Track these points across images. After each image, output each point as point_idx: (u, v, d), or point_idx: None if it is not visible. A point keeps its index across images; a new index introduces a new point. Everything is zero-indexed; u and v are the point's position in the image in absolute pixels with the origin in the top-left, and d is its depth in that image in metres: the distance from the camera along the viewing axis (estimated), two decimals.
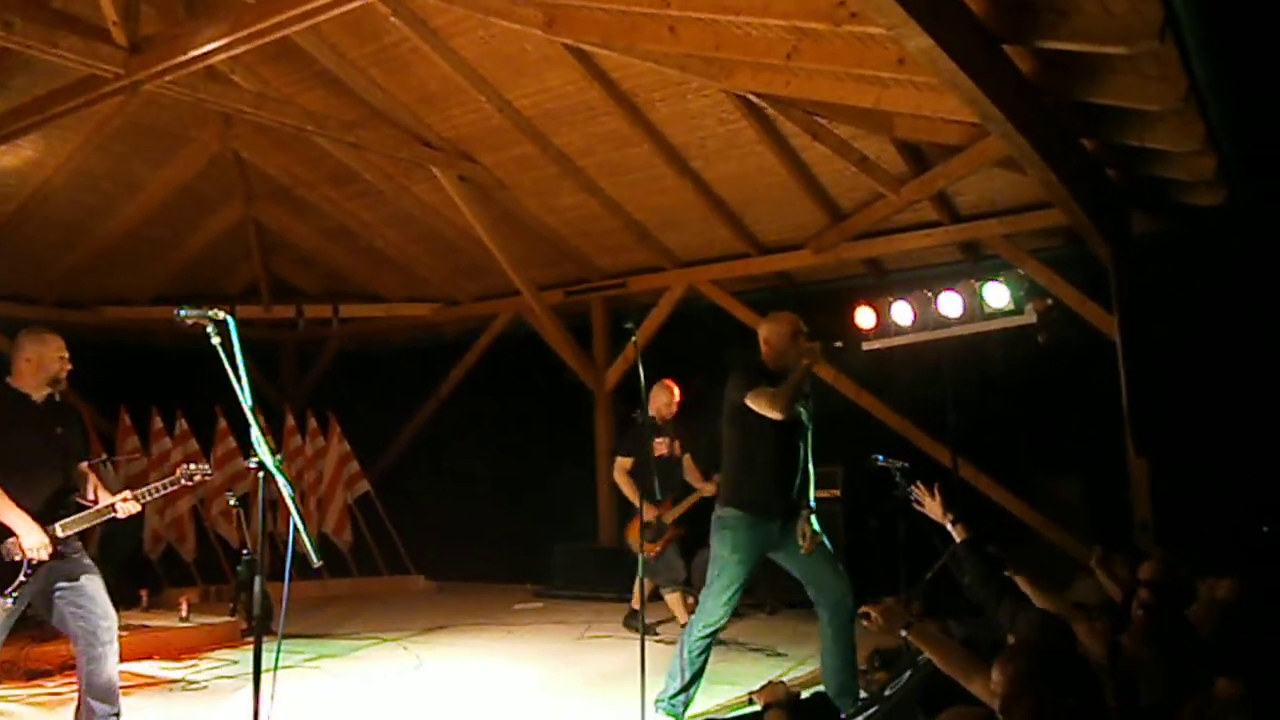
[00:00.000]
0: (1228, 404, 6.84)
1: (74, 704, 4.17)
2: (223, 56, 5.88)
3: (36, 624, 4.95)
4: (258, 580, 3.09)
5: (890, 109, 6.38)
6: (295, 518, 3.00)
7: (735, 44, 6.12)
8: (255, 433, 3.07)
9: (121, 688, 4.24)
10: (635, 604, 7.06)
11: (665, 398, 7.23)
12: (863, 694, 4.73)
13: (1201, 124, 5.05)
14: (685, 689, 4.72)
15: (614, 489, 7.55)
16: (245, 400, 3.06)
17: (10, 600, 3.96)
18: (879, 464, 5.87)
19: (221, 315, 3.13)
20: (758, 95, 6.81)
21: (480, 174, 8.51)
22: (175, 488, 4.31)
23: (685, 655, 4.70)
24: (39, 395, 4.20)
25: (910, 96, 6.06)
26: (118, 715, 4.14)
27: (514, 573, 10.05)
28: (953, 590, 5.55)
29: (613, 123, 7.55)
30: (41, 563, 4.02)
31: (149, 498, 4.25)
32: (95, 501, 4.25)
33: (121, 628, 4.32)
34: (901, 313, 7.32)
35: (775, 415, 4.53)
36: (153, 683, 6.06)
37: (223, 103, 6.99)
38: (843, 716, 4.33)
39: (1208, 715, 2.44)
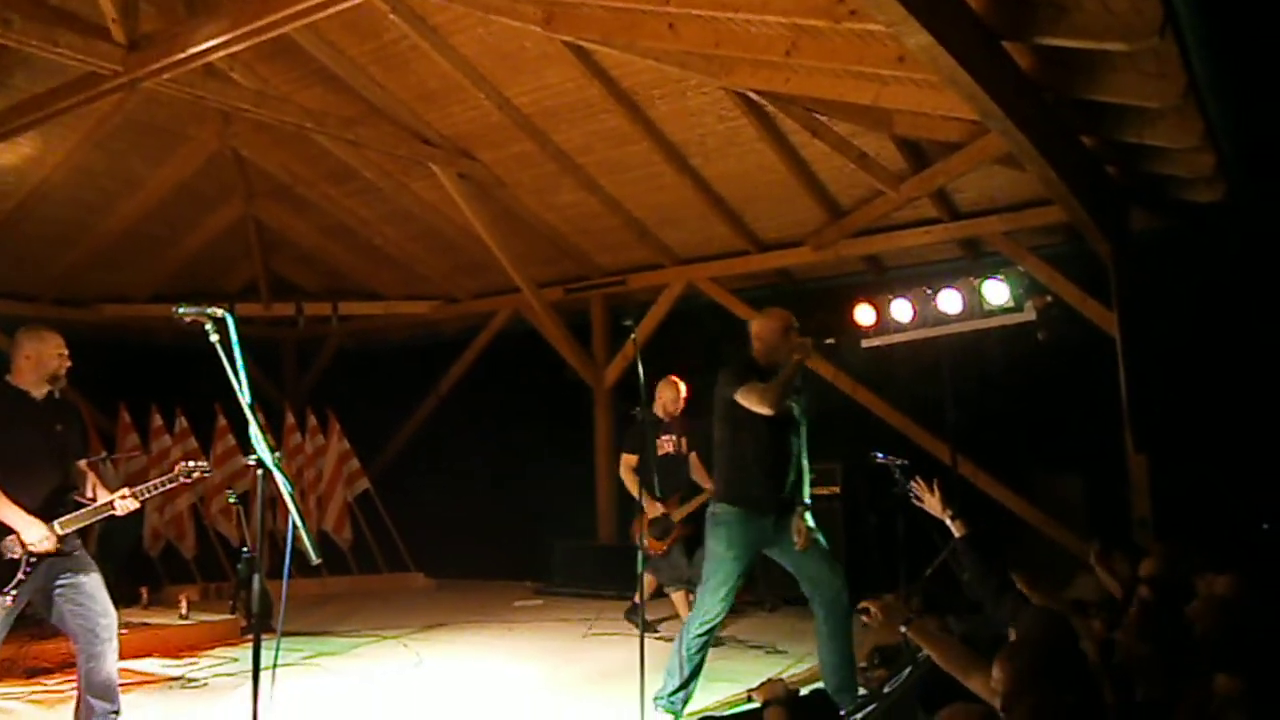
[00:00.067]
0: (1227, 401, 6.84)
1: (74, 702, 4.17)
2: (222, 54, 5.87)
3: (36, 622, 4.94)
4: (257, 578, 3.10)
5: (890, 106, 6.38)
6: (294, 515, 3.01)
7: (735, 41, 6.12)
8: (254, 430, 3.07)
9: (121, 685, 4.24)
10: (638, 598, 6.97)
11: (671, 393, 7.10)
12: (862, 691, 4.74)
13: (1201, 121, 5.05)
14: (684, 686, 4.72)
15: (614, 486, 7.55)
16: (244, 397, 3.06)
17: (10, 598, 3.96)
18: (878, 461, 5.87)
19: (219, 313, 3.13)
20: (757, 92, 6.81)
21: (479, 171, 8.50)
22: (174, 485, 4.31)
23: (683, 652, 4.71)
24: (38, 393, 4.20)
25: (910, 93, 6.05)
26: (117, 713, 4.14)
27: (513, 570, 10.05)
28: (952, 587, 5.55)
29: (612, 120, 7.54)
30: (41, 560, 4.03)
31: (148, 495, 4.25)
32: (94, 499, 4.25)
33: (121, 625, 4.33)
34: (901, 310, 7.32)
35: (765, 411, 4.54)
36: (152, 680, 6.06)
37: (222, 100, 6.98)
38: (842, 713, 4.33)
39: (1206, 712, 2.44)
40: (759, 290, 9.35)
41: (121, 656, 4.27)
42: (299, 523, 3.01)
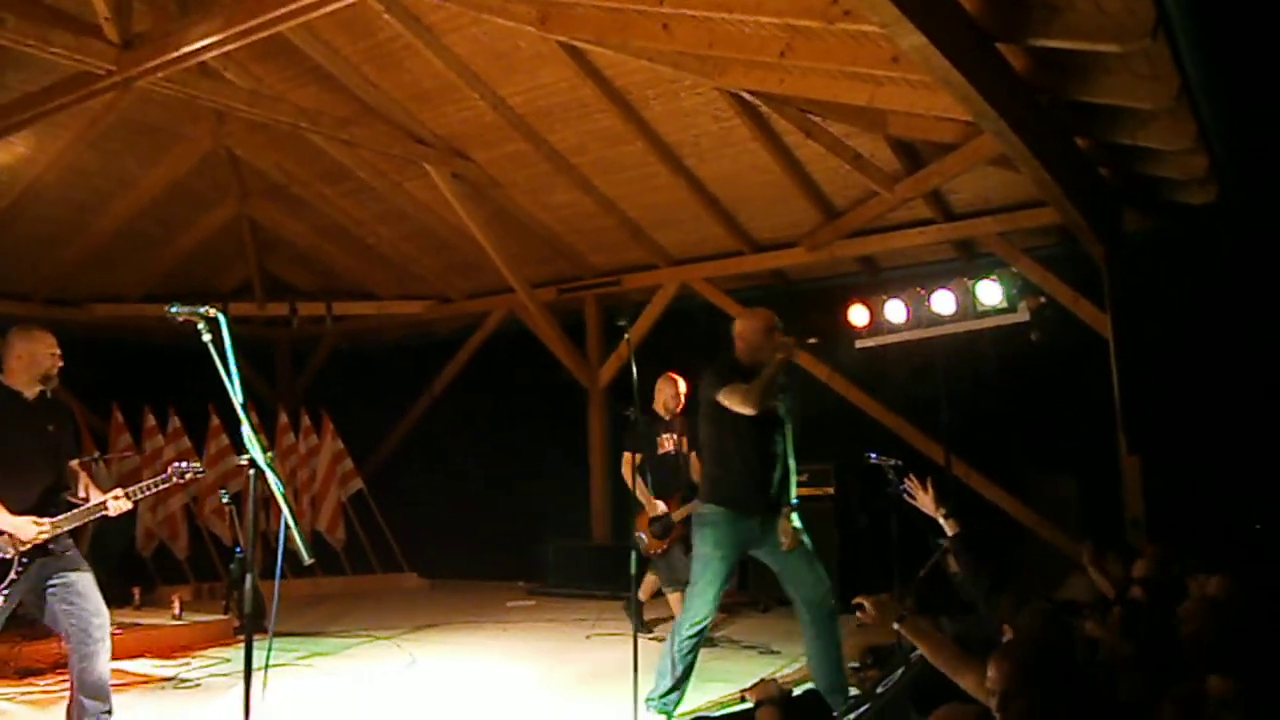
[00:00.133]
0: (1220, 402, 6.87)
1: (66, 702, 4.16)
2: (215, 53, 5.87)
3: (29, 622, 4.92)
4: (250, 578, 3.08)
5: (884, 107, 6.39)
6: (286, 515, 3.00)
7: (729, 42, 6.12)
8: (246, 430, 3.06)
9: (114, 685, 4.23)
10: (640, 596, 6.87)
11: (671, 390, 6.93)
12: (855, 691, 4.74)
13: (1193, 123, 5.07)
14: (676, 687, 4.73)
15: (608, 486, 7.52)
16: (236, 397, 3.06)
17: (2, 597, 3.96)
18: (872, 461, 5.87)
19: (212, 312, 3.13)
20: (751, 93, 6.81)
21: (473, 171, 8.50)
22: (167, 485, 4.30)
23: (674, 653, 4.72)
24: (30, 393, 4.19)
25: (904, 94, 6.06)
26: (110, 713, 4.13)
27: (507, 570, 10.05)
28: (945, 588, 5.56)
29: (606, 120, 7.54)
30: (33, 559, 4.02)
31: (141, 495, 4.24)
32: (86, 499, 4.25)
33: (114, 625, 4.31)
34: (895, 310, 7.32)
35: (748, 411, 4.54)
36: (145, 680, 6.04)
37: (215, 99, 6.97)
38: (835, 714, 4.33)
39: (1195, 713, 2.44)
40: (753, 291, 9.34)
41: (114, 657, 4.27)
42: (290, 522, 3.01)
